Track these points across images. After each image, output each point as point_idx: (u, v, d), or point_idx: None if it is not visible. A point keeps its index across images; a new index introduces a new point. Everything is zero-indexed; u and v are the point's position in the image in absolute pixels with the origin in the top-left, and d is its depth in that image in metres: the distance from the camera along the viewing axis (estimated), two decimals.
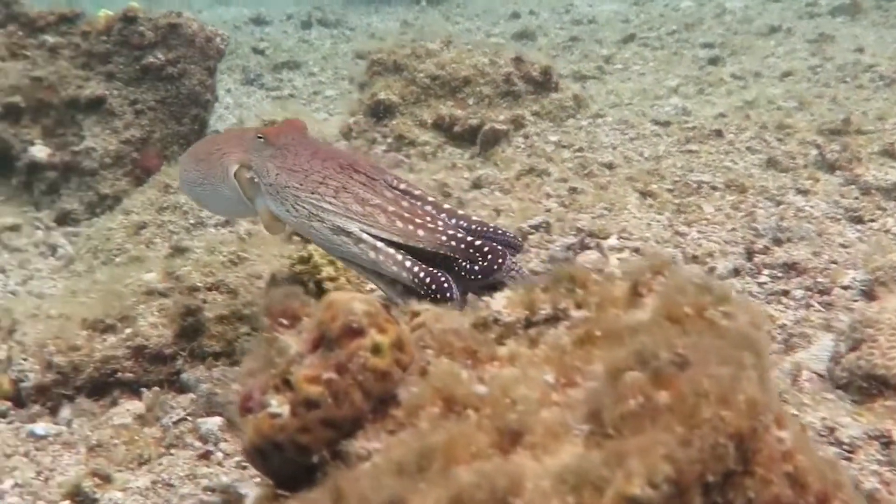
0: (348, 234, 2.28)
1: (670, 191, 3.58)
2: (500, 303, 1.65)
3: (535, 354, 1.48)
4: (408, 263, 2.14)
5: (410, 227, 2.20)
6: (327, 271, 2.88)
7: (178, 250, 3.46)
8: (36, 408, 2.59)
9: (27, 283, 3.66)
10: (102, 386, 2.64)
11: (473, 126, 4.39)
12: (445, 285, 2.06)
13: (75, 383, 2.62)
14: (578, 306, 1.58)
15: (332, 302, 1.50)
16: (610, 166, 3.86)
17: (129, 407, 2.57)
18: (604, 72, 6.03)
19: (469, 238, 2.11)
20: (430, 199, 2.31)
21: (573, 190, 3.62)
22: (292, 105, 6.29)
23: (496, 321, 1.62)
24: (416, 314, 1.67)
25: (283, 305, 1.66)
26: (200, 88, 4.57)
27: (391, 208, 2.26)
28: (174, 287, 2.97)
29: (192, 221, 3.73)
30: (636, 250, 3.10)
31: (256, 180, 2.62)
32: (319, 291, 2.81)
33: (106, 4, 4.80)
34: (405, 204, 2.28)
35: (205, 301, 2.88)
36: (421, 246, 2.16)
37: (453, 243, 2.11)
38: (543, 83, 4.66)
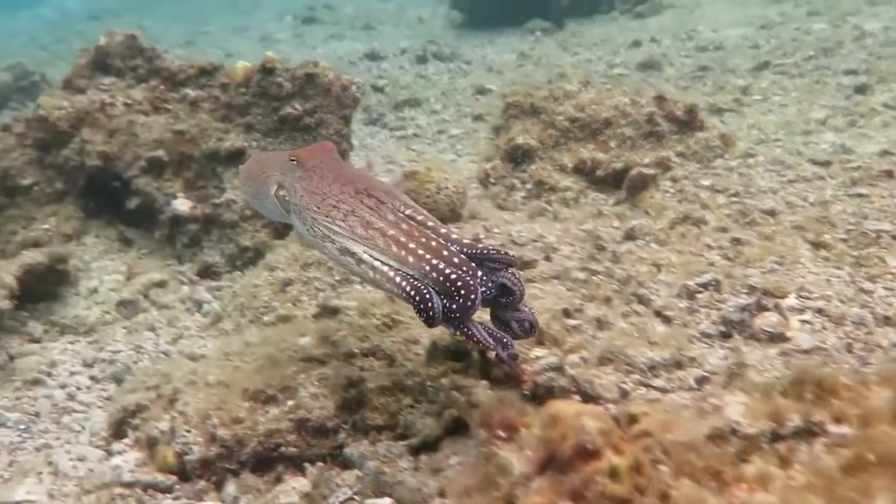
0: (353, 254, 2.46)
1: (845, 241, 3.31)
2: (737, 410, 1.48)
3: (791, 478, 1.31)
4: (398, 279, 2.29)
5: (403, 252, 2.34)
6: None
7: (327, 310, 3.39)
8: (202, 483, 2.54)
9: (178, 342, 3.67)
10: (266, 460, 2.57)
11: (617, 170, 4.22)
12: (428, 299, 2.16)
13: (240, 457, 2.56)
14: (836, 420, 1.39)
15: (559, 417, 1.36)
16: (773, 213, 3.62)
17: (295, 484, 2.50)
18: (742, 104, 5.77)
19: (447, 271, 2.21)
20: (431, 223, 2.42)
21: (736, 241, 3.40)
22: (417, 145, 6.24)
23: (735, 432, 1.45)
24: (634, 418, 1.52)
25: (500, 415, 1.53)
26: (337, 138, 4.54)
27: (391, 232, 2.42)
28: (330, 353, 2.90)
29: (337, 278, 3.67)
30: (819, 311, 2.86)
31: (288, 199, 2.89)
32: (484, 363, 2.69)
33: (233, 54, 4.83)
34: (405, 227, 2.43)
35: (362, 369, 2.79)
36: (411, 272, 2.29)
37: (434, 274, 2.22)
38: (688, 122, 4.46)
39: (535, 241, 3.69)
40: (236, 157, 4.46)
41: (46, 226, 4.52)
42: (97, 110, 4.64)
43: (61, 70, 10.57)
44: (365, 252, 2.44)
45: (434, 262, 2.25)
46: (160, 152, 4.48)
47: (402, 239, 2.39)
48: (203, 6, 15.54)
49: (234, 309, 3.77)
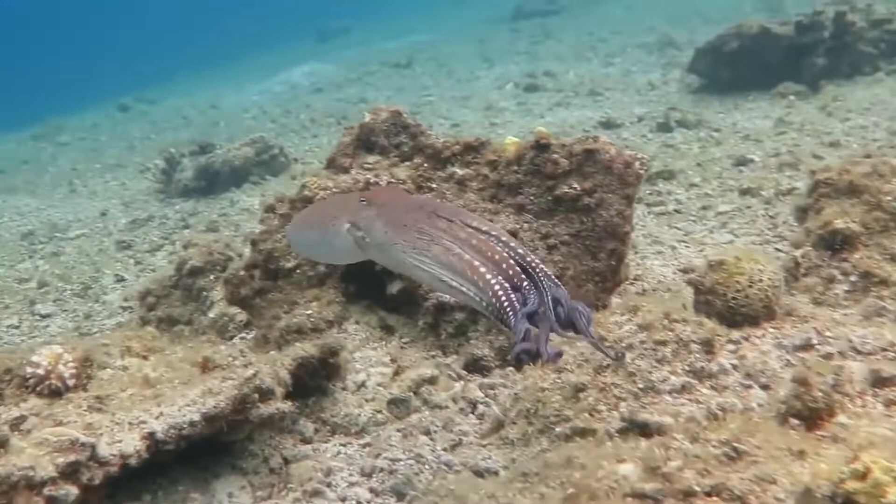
0: (442, 281, 2.71)
1: None
2: None
3: None
4: (480, 297, 2.52)
5: (479, 277, 2.54)
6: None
7: (636, 425, 2.89)
8: None
9: (458, 451, 3.28)
10: None
11: None
12: (508, 307, 2.41)
13: None
14: None
15: None
16: None
17: None
18: None
19: (503, 298, 2.43)
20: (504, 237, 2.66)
21: None
22: (681, 223, 5.67)
23: None
24: None
25: None
26: (618, 220, 4.08)
27: (466, 256, 2.64)
28: (664, 490, 2.37)
29: (640, 385, 3.15)
30: None
31: (366, 239, 3.10)
32: None
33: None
34: (474, 242, 2.67)
35: None
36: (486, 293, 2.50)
37: (493, 300, 2.46)
38: None
39: (885, 349, 3.04)
40: None
41: (309, 311, 4.34)
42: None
43: (292, 142, 11.00)
44: (453, 279, 2.69)
45: (496, 287, 2.49)
46: None
47: (476, 264, 2.62)
48: (420, 76, 15.82)
49: (517, 414, 3.33)
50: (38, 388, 3.25)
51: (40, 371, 3.25)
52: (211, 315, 5.09)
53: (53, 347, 3.34)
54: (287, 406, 3.19)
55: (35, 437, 2.92)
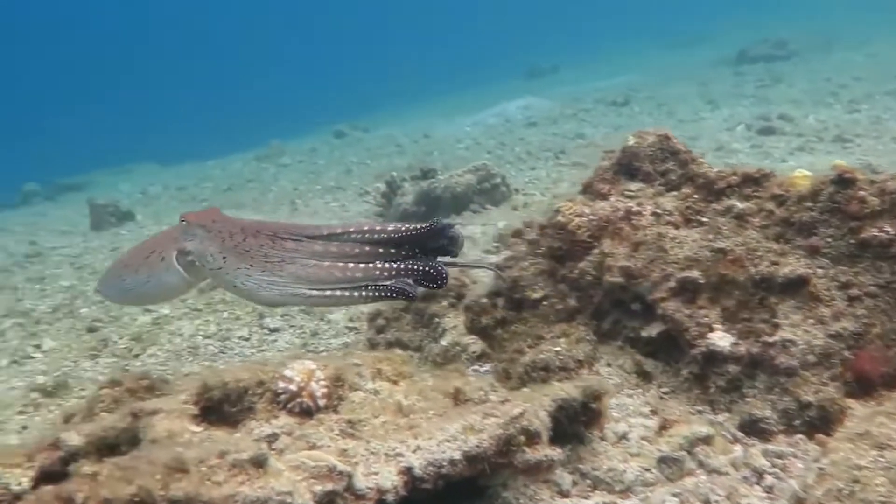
0: (300, 294, 3.09)
1: None
2: None
3: None
4: (356, 294, 3.05)
5: (347, 273, 3.04)
6: None
7: None
8: None
9: None
10: None
11: None
12: (399, 288, 3.02)
13: None
14: None
15: None
16: None
17: None
18: None
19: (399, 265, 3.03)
20: (352, 228, 3.13)
21: None
22: None
23: None
24: None
25: None
26: None
27: (326, 263, 3.07)
28: None
29: None
30: None
31: (198, 263, 3.24)
32: None
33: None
34: (333, 249, 3.09)
35: None
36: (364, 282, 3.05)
37: (385, 274, 3.02)
38: None
39: None
40: (796, 286, 3.56)
41: (557, 348, 3.97)
42: (621, 219, 4.05)
43: (509, 174, 10.76)
44: (312, 289, 3.03)
45: (380, 264, 3.01)
46: (695, 273, 3.73)
47: (340, 263, 3.02)
48: (638, 115, 15.28)
49: (825, 494, 2.78)
50: (290, 406, 3.07)
51: (292, 387, 3.06)
52: (443, 343, 4.82)
53: (306, 363, 3.14)
54: (556, 453, 2.82)
55: (291, 460, 2.71)
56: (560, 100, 17.95)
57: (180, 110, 40.03)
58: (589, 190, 4.31)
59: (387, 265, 3.07)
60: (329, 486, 2.62)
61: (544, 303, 4.17)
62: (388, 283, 3.06)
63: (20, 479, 2.89)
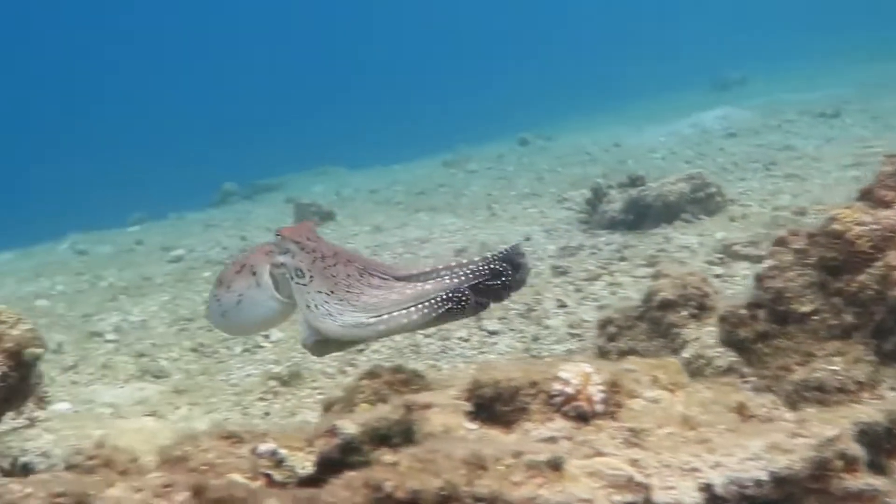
0: (361, 324, 3.12)
1: None
2: None
3: None
4: (414, 317, 3.01)
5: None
6: None
7: None
8: None
9: None
10: None
11: None
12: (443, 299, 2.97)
13: None
14: None
15: None
16: None
17: None
18: None
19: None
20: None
21: None
22: None
23: None
24: None
25: None
26: None
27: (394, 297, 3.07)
28: None
29: None
30: None
31: (288, 276, 3.20)
32: None
33: None
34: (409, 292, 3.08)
35: None
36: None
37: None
38: None
39: None
40: None
41: (833, 367, 3.65)
42: None
43: (728, 183, 10.26)
44: (377, 319, 3.09)
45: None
46: None
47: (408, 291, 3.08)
48: (850, 127, 14.28)
49: None
50: (565, 409, 2.94)
51: (569, 390, 2.93)
52: (684, 355, 4.58)
53: (581, 365, 3.01)
54: (879, 483, 2.54)
55: (584, 466, 2.58)
56: (759, 111, 17.11)
57: (369, 118, 41.40)
58: (868, 197, 3.95)
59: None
60: (628, 497, 2.46)
61: (814, 317, 3.85)
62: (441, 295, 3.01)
63: (304, 462, 2.92)
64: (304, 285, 3.26)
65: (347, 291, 3.18)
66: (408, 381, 3.67)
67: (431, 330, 6.15)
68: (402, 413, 3.09)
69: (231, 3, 62.09)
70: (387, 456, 2.64)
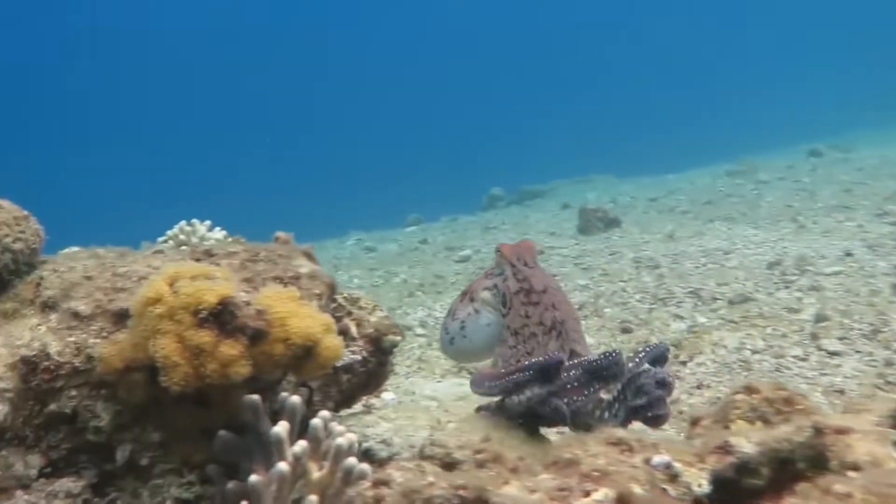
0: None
1: None
2: None
3: None
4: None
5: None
6: None
7: None
8: None
9: None
10: None
11: None
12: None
13: None
14: None
15: None
16: None
17: None
18: None
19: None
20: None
21: None
22: None
23: None
24: None
25: None
26: None
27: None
28: None
29: None
30: None
31: (498, 300, 3.03)
32: None
33: None
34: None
35: None
36: None
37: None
38: None
39: None
40: None
41: None
42: None
43: None
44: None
45: None
46: None
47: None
48: None
49: None
50: None
51: None
52: None
53: None
54: None
55: None
56: None
57: (637, 126, 40.72)
58: None
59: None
60: None
61: None
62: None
63: (698, 479, 2.64)
64: (504, 315, 3.08)
65: (526, 340, 2.99)
66: (790, 399, 3.28)
67: (760, 345, 5.66)
68: (810, 436, 2.73)
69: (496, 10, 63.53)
70: (838, 486, 2.29)
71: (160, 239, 5.32)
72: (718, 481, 2.67)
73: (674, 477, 2.62)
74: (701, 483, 2.64)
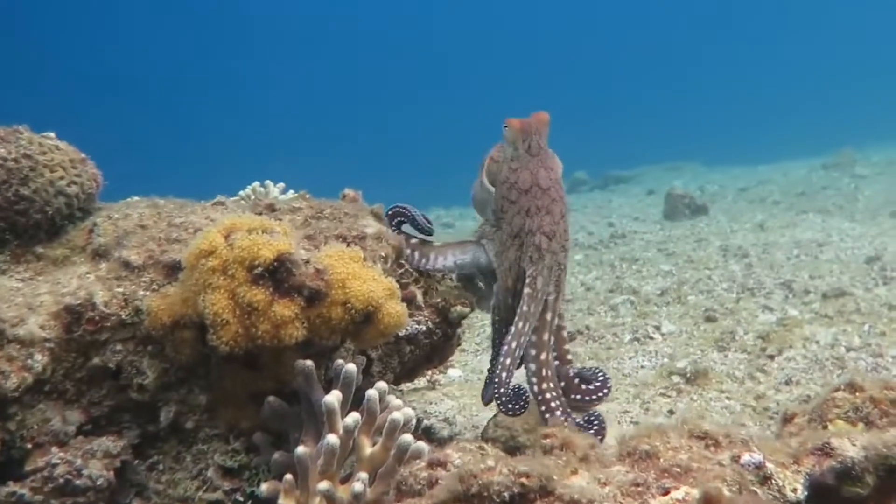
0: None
1: None
2: None
3: None
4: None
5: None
6: None
7: None
8: None
9: None
10: None
11: None
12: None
13: None
14: None
15: None
16: None
17: None
18: None
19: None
20: None
21: None
22: None
23: None
24: None
25: None
26: None
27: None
28: None
29: None
30: None
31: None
32: None
33: None
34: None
35: None
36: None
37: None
38: None
39: None
40: None
41: None
42: None
43: None
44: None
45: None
46: None
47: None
48: None
49: None
50: None
51: None
52: None
53: None
54: None
55: None
56: None
57: (726, 115, 39.57)
58: None
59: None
60: None
61: None
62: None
63: (793, 484, 2.34)
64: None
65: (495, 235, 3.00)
66: None
67: (856, 342, 5.24)
68: None
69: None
70: None
71: (232, 198, 5.21)
72: (816, 487, 2.36)
73: (765, 479, 2.33)
74: (796, 488, 2.34)
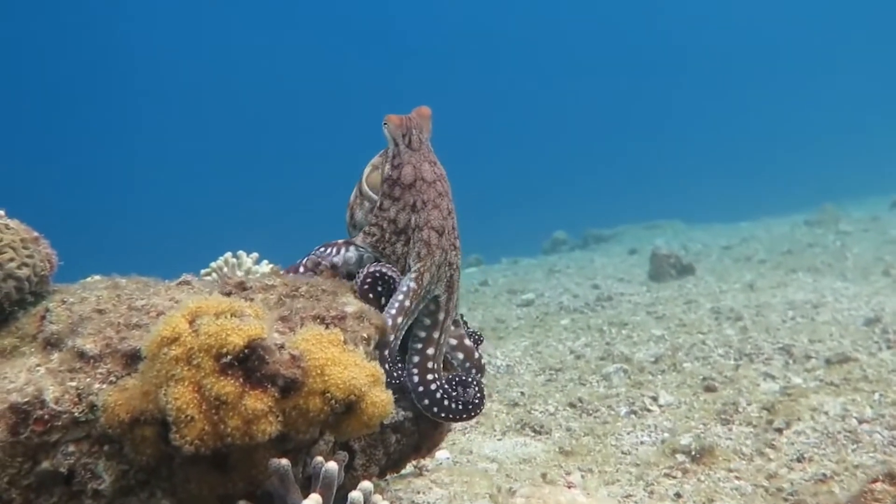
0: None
1: None
2: None
3: None
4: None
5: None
6: None
7: None
8: None
9: None
10: None
11: None
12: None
13: None
14: None
15: None
16: None
17: None
18: None
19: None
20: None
21: None
22: None
23: None
24: None
25: None
26: None
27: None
28: None
29: None
30: None
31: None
32: None
33: None
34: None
35: None
36: None
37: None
38: None
39: None
40: None
41: None
42: None
43: None
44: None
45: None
46: None
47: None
48: None
49: None
50: None
51: None
52: None
53: None
54: None
55: None
56: None
57: (699, 173, 39.87)
58: None
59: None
60: None
61: None
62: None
63: None
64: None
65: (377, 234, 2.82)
66: None
67: (868, 413, 4.96)
68: None
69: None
70: None
71: (203, 271, 4.91)
72: None
73: None
74: None
